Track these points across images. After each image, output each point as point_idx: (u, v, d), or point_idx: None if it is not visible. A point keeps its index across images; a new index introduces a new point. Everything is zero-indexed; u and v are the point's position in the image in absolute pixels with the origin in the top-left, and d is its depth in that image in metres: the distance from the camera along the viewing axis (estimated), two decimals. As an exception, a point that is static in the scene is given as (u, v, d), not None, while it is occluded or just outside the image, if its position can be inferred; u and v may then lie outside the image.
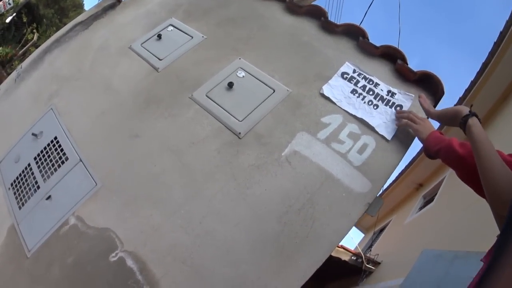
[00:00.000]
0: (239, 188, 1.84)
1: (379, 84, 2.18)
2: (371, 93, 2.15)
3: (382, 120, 2.03)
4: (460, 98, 6.11)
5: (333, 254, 6.04)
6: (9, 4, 9.93)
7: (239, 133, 2.01)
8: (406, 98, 2.10)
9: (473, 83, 5.77)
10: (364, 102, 2.11)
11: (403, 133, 1.99)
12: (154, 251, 1.72)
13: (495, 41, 5.27)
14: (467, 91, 5.92)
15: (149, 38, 2.69)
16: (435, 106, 2.14)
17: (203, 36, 2.60)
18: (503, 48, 5.19)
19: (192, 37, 2.59)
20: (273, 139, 1.99)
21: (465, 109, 1.54)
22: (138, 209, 1.86)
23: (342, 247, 6.37)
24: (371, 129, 1.99)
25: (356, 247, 7.03)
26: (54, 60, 3.02)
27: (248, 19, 2.70)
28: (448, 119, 1.66)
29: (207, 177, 1.90)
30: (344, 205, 1.77)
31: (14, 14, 10.88)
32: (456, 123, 1.56)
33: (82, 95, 2.55)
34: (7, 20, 10.60)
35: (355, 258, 6.46)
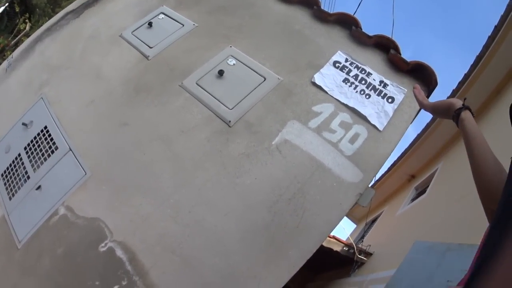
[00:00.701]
0: (229, 177, 1.80)
1: (371, 74, 2.14)
2: (363, 82, 2.11)
3: (374, 110, 1.99)
4: (453, 91, 6.08)
5: (325, 244, 6.01)
6: None
7: (229, 121, 1.96)
8: (398, 91, 2.06)
9: (466, 76, 5.73)
10: (356, 92, 2.07)
11: (395, 124, 1.96)
12: (143, 241, 1.68)
13: (490, 34, 5.25)
14: (461, 83, 5.88)
15: (140, 26, 2.63)
16: (428, 97, 2.11)
17: (194, 24, 2.54)
18: (498, 41, 5.16)
19: (183, 25, 2.54)
20: (264, 127, 1.95)
21: (458, 102, 1.48)
22: (127, 198, 1.82)
23: (334, 237, 6.35)
24: (363, 118, 1.96)
25: (348, 237, 7.02)
26: (45, 49, 2.96)
27: (239, 7, 2.64)
28: (441, 111, 1.60)
29: (196, 166, 1.86)
30: (335, 195, 1.74)
31: (7, 4, 10.68)
32: (448, 116, 1.49)
33: (72, 84, 2.49)
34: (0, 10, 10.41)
35: (347, 249, 6.44)
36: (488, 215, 1.21)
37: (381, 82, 2.11)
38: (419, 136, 6.90)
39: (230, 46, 2.33)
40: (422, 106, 1.74)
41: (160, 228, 1.70)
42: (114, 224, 1.77)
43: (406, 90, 2.06)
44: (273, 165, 1.83)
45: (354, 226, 11.67)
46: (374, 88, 2.08)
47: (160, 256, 1.64)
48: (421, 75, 2.12)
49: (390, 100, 2.02)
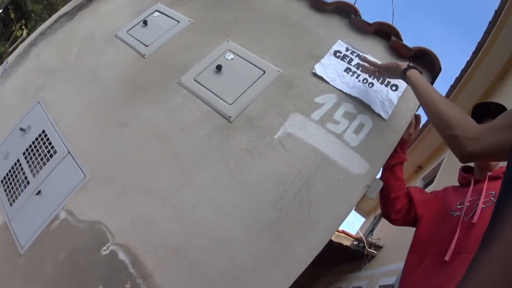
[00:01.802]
0: (231, 174, 1.74)
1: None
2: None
3: (378, 98, 1.92)
4: (456, 78, 6.02)
5: (334, 239, 6.00)
6: None
7: (229, 116, 1.89)
8: None
9: (469, 63, 5.68)
10: (359, 81, 1.99)
11: (400, 112, 1.89)
12: (146, 243, 1.63)
13: (491, 19, 5.18)
14: (464, 71, 5.82)
15: (135, 25, 2.56)
16: (432, 83, 2.06)
17: (189, 20, 2.47)
18: (499, 26, 5.09)
19: (179, 22, 2.47)
20: (265, 121, 1.88)
21: (404, 64, 1.73)
22: (128, 200, 1.76)
23: (343, 232, 6.31)
24: (367, 108, 1.88)
25: (358, 231, 6.97)
26: (39, 53, 2.91)
27: (235, 0, 2.57)
28: (390, 72, 1.82)
29: (197, 164, 1.79)
30: (341, 188, 1.67)
31: (1, 10, 10.64)
32: (397, 75, 1.74)
33: (68, 86, 2.44)
34: None
35: (356, 243, 6.40)
36: (447, 140, 1.37)
37: None
38: (424, 126, 6.83)
39: (228, 41, 2.25)
40: (376, 69, 1.91)
41: (162, 229, 1.64)
42: (115, 226, 1.71)
43: None
44: (276, 159, 1.76)
45: (363, 219, 11.62)
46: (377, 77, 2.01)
47: (163, 257, 1.58)
48: (424, 61, 2.03)
49: (394, 88, 1.95)
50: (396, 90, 1.94)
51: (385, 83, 1.97)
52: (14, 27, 11.18)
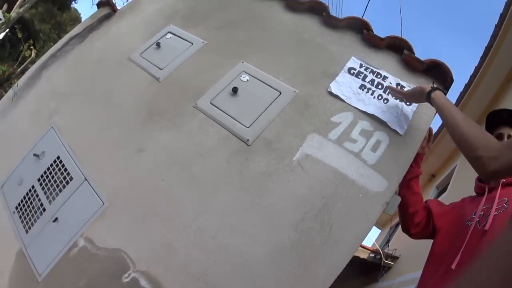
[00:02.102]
0: (252, 198, 1.75)
1: (387, 77, 2.08)
2: (380, 87, 2.05)
3: (393, 114, 1.93)
4: (465, 85, 6.01)
5: (351, 253, 5.95)
6: (0, 19, 9.68)
7: (247, 140, 1.91)
8: None
9: (477, 68, 5.66)
10: (374, 97, 2.01)
11: (415, 126, 1.91)
12: (168, 270, 1.63)
13: (496, 23, 5.16)
14: (472, 76, 5.81)
15: (148, 47, 2.59)
16: (445, 94, 2.07)
17: (203, 42, 2.49)
18: (505, 29, 5.08)
19: (192, 43, 2.49)
20: (283, 143, 1.89)
21: (428, 86, 1.76)
22: (148, 226, 1.77)
23: (359, 245, 6.29)
24: (383, 124, 1.90)
25: (374, 243, 6.92)
26: (51, 76, 2.94)
27: (248, 20, 2.60)
28: (416, 98, 1.85)
29: (217, 188, 1.81)
30: (361, 206, 1.68)
31: (7, 30, 10.73)
32: (423, 99, 1.78)
33: (82, 111, 2.46)
34: (0, 37, 10.44)
35: (373, 255, 6.37)
36: (471, 161, 1.39)
37: (397, 84, 2.05)
38: (436, 135, 6.80)
39: (242, 62, 2.28)
40: (403, 97, 1.93)
41: (184, 255, 1.65)
42: (136, 253, 1.71)
43: None
44: (296, 181, 1.77)
45: (379, 231, 11.55)
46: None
47: (186, 284, 1.58)
48: (437, 73, 2.07)
49: (408, 103, 1.96)
50: (410, 104, 1.97)
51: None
52: (22, 47, 11.29)
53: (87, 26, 3.12)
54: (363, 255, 6.22)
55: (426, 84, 2.01)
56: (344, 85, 2.06)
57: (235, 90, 2.10)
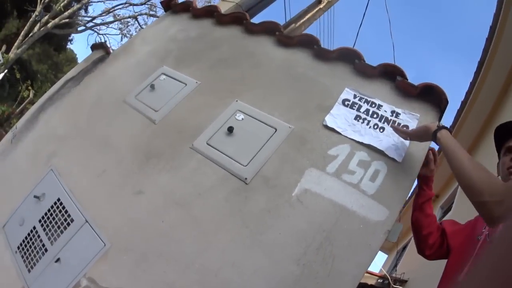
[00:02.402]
0: (252, 235, 1.89)
1: (382, 106, 2.25)
2: (375, 116, 2.22)
3: (390, 142, 2.09)
4: (462, 102, 6.18)
5: (359, 279, 5.97)
6: None
7: (246, 178, 2.07)
8: (411, 118, 2.17)
9: (472, 84, 5.84)
10: (370, 127, 2.17)
11: (413, 152, 2.06)
12: None
13: (487, 37, 5.36)
14: (468, 93, 5.98)
15: (143, 90, 2.79)
16: (441, 116, 2.25)
17: (196, 82, 2.69)
18: (495, 42, 5.27)
19: (186, 84, 2.69)
20: (281, 180, 2.05)
21: (433, 125, 1.85)
22: (150, 267, 1.90)
23: (367, 271, 6.31)
24: (381, 153, 2.05)
25: (381, 269, 6.96)
26: (49, 119, 3.13)
27: (240, 58, 2.80)
28: (420, 137, 1.96)
29: (217, 227, 1.95)
30: (363, 236, 1.81)
31: (6, 70, 11.11)
32: (428, 138, 1.88)
33: (81, 154, 2.63)
34: None
35: (381, 281, 6.40)
36: (475, 206, 1.46)
37: (392, 112, 2.22)
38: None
39: (236, 100, 2.47)
40: (407, 137, 2.05)
41: None
42: None
43: (418, 115, 2.19)
44: (296, 217, 1.91)
45: (386, 256, 11.55)
46: (387, 120, 2.19)
47: None
48: (431, 97, 2.24)
49: (404, 129, 2.12)
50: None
51: (396, 125, 2.16)
52: (20, 88, 11.73)
53: (82, 69, 3.34)
54: (371, 281, 6.26)
55: (420, 106, 2.17)
56: (339, 117, 2.24)
57: (230, 130, 2.28)
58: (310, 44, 2.68)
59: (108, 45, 3.49)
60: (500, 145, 1.95)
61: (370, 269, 6.63)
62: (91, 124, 2.83)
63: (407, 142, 2.09)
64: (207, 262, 1.85)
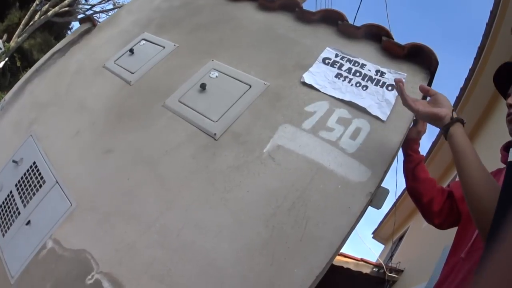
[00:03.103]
0: (218, 193, 1.59)
1: (365, 65, 1.92)
2: (358, 74, 1.89)
3: (374, 100, 1.76)
4: (461, 89, 5.81)
5: (353, 268, 5.74)
6: (0, 48, 9.86)
7: (214, 134, 1.78)
8: (397, 77, 1.82)
9: (472, 71, 5.48)
10: (352, 85, 1.85)
11: (400, 111, 1.70)
12: (130, 271, 1.49)
13: (487, 22, 4.99)
14: (467, 79, 5.62)
15: (122, 55, 2.55)
16: (431, 80, 1.88)
17: (174, 45, 2.43)
18: (496, 27, 4.91)
19: (164, 47, 2.43)
20: (253, 136, 1.75)
21: (447, 115, 1.38)
22: (111, 227, 1.65)
23: (362, 260, 6.01)
24: (363, 111, 1.72)
25: (377, 259, 6.62)
26: (33, 89, 2.94)
27: (219, 22, 2.52)
28: (430, 119, 1.45)
29: (182, 185, 1.67)
30: (341, 198, 1.48)
31: (7, 58, 10.91)
32: (438, 126, 1.42)
33: (58, 118, 2.42)
34: (0, 65, 10.60)
35: (376, 270, 6.08)
36: (482, 235, 1.14)
37: (377, 71, 1.88)
38: (434, 143, 6.57)
39: (212, 60, 2.18)
40: (415, 108, 1.49)
41: (147, 255, 1.50)
42: (100, 254, 1.59)
43: (405, 74, 1.83)
44: (266, 174, 1.60)
45: (382, 246, 11.25)
46: (371, 79, 1.86)
47: (148, 285, 1.43)
48: (420, 58, 1.88)
49: (390, 88, 1.78)
50: (392, 89, 1.78)
51: (380, 84, 1.82)
52: (21, 76, 11.54)
53: (69, 41, 3.14)
54: (366, 269, 5.93)
55: (408, 67, 1.83)
56: (318, 75, 1.92)
57: (203, 87, 1.99)
58: (291, 7, 2.37)
59: (95, 18, 3.23)
60: (503, 93, 1.54)
61: (366, 257, 6.33)
62: (70, 90, 2.60)
63: (392, 100, 1.73)
64: (168, 221, 1.57)
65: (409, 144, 1.69)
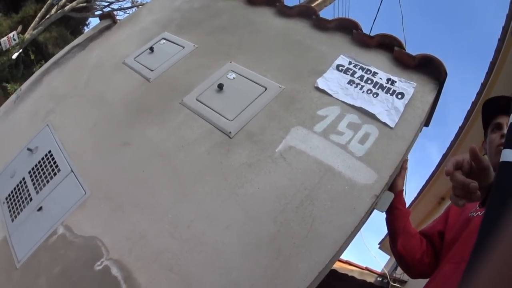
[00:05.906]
0: (230, 188, 1.67)
1: (377, 73, 2.00)
2: (369, 82, 1.97)
3: (383, 107, 1.84)
4: (472, 102, 5.81)
5: (358, 276, 5.74)
6: (14, 40, 9.87)
7: (230, 132, 1.86)
8: (407, 86, 1.90)
9: (483, 85, 5.48)
10: (363, 92, 1.93)
11: (408, 119, 1.79)
12: (140, 259, 1.55)
13: (499, 37, 5.01)
14: (479, 94, 5.62)
15: (142, 52, 2.65)
16: (440, 89, 1.96)
17: (194, 45, 2.53)
18: (508, 41, 4.92)
19: (184, 47, 2.53)
20: (266, 136, 1.83)
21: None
22: (125, 215, 1.73)
23: (366, 268, 6.02)
24: (372, 117, 1.80)
25: (382, 269, 6.61)
26: (51, 81, 3.04)
27: (239, 26, 2.62)
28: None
29: (196, 179, 1.74)
30: (347, 199, 1.55)
31: (21, 50, 10.94)
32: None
33: (76, 110, 2.51)
34: (14, 56, 10.62)
35: (380, 279, 6.08)
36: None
37: (388, 79, 1.96)
38: (444, 157, 6.56)
39: (230, 62, 2.28)
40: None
41: (158, 244, 1.57)
42: (111, 242, 1.66)
43: (415, 84, 1.90)
44: (277, 173, 1.68)
45: (388, 257, 11.16)
46: (382, 87, 1.94)
47: (157, 273, 1.49)
48: (429, 69, 1.96)
49: (399, 96, 1.86)
50: (402, 98, 1.86)
51: (390, 92, 1.90)
52: (34, 68, 11.52)
53: (89, 36, 3.24)
54: (370, 278, 5.93)
55: (419, 77, 1.90)
56: (331, 81, 2.01)
57: (220, 87, 2.08)
58: (309, 14, 2.47)
59: (115, 15, 3.32)
60: (488, 121, 1.63)
61: (371, 267, 6.32)
62: (89, 83, 2.71)
63: (401, 108, 1.82)
64: (181, 213, 1.65)
65: (398, 196, 1.74)
